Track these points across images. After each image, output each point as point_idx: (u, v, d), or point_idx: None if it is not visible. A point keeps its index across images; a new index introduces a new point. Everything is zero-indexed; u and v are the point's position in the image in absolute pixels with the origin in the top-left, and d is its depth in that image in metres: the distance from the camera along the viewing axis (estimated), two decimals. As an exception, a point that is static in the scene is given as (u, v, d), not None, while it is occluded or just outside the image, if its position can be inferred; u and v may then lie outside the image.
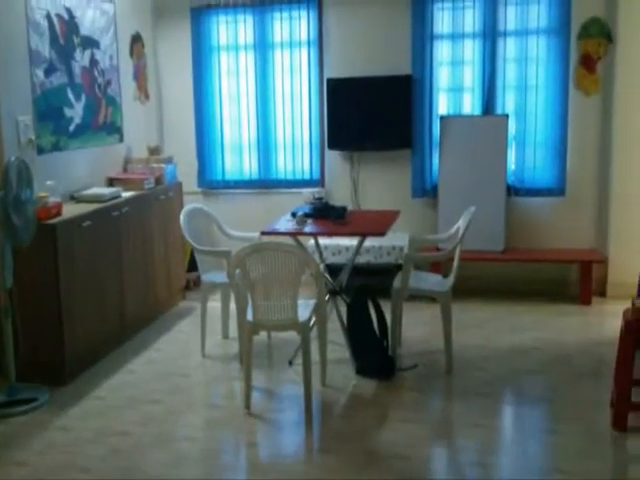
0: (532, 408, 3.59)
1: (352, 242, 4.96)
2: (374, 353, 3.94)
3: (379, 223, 4.18)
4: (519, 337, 4.52)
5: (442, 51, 5.46)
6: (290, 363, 4.12)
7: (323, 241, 5.18)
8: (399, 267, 4.06)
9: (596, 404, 3.50)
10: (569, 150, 5.31)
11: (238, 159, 5.93)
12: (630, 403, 3.23)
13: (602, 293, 5.26)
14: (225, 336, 4.60)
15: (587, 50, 5.23)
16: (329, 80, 5.57)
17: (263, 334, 4.39)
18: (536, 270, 5.44)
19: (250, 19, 5.69)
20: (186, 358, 4.33)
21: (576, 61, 5.24)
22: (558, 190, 5.36)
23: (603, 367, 3.90)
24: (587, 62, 5.25)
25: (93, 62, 4.85)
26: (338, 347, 4.24)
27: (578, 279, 5.27)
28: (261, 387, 3.85)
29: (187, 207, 4.55)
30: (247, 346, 3.52)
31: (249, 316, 3.51)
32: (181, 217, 4.37)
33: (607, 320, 4.68)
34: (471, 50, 5.39)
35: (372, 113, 5.51)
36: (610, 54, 5.14)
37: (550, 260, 5.31)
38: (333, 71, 5.61)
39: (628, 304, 3.37)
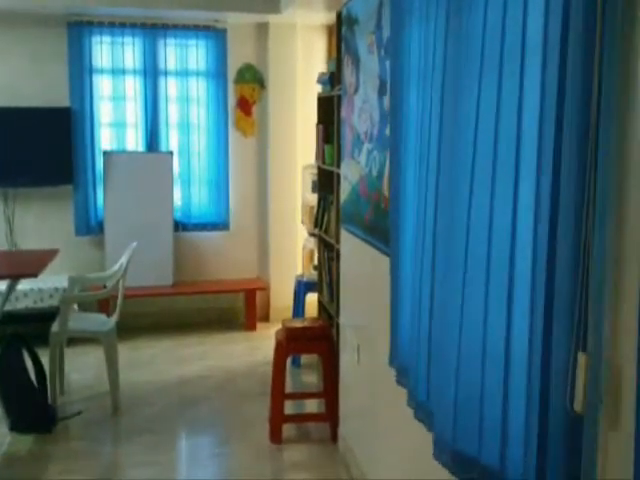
0: (200, 434, 3.70)
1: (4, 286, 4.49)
2: (30, 405, 3.60)
3: (32, 263, 3.86)
4: (188, 368, 4.59)
5: (103, 85, 5.35)
6: None
7: (-29, 287, 4.57)
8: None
9: (259, 421, 3.72)
10: (231, 186, 5.63)
11: None
12: (284, 416, 3.50)
13: (267, 318, 5.64)
14: None
15: (243, 94, 5.63)
16: (-29, 109, 5.02)
17: None
18: (206, 301, 5.60)
19: None
20: None
21: (234, 104, 5.60)
22: (223, 224, 5.63)
23: (267, 387, 4.13)
24: (244, 105, 5.65)
25: None
26: (-11, 405, 3.77)
27: (244, 307, 5.57)
28: None
29: None
30: None
31: None
32: None
33: (270, 342, 4.99)
34: (133, 87, 5.39)
35: (26, 147, 5.10)
36: (264, 99, 5.62)
37: (218, 291, 5.53)
38: (-23, 99, 5.08)
39: (285, 326, 3.67)
